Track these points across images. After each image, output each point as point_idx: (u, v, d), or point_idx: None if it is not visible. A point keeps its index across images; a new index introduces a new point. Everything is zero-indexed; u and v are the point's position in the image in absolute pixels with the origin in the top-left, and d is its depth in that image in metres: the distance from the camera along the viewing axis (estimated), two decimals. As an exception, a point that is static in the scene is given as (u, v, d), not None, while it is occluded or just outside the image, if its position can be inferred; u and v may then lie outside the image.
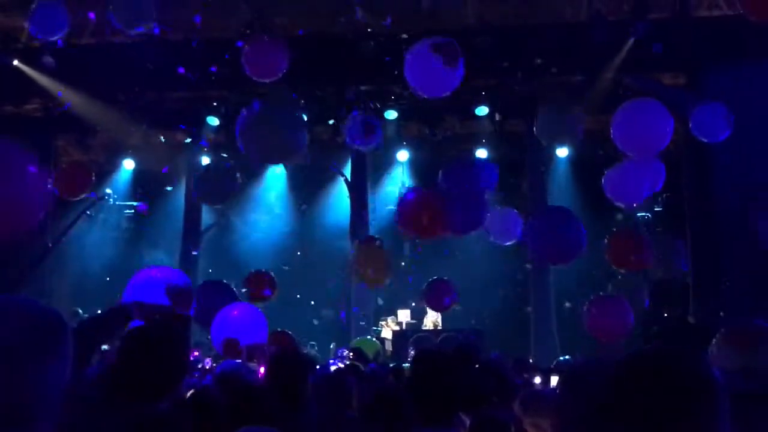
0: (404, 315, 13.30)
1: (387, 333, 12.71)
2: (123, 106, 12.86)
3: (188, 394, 3.08)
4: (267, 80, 9.65)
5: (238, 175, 11.24)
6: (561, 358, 9.58)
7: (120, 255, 14.80)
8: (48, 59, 11.93)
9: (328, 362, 9.26)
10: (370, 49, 11.56)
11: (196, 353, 9.69)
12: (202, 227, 15.36)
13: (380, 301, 14.38)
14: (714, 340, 2.70)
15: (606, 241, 9.85)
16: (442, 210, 9.06)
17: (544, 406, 3.23)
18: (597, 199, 10.64)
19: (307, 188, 16.06)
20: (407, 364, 8.15)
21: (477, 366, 4.62)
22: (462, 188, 9.50)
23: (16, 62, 12.27)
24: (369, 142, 10.94)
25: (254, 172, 15.87)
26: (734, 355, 2.58)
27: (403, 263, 13.50)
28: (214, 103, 13.10)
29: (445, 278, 10.85)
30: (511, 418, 3.39)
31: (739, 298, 10.78)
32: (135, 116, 13.16)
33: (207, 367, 7.03)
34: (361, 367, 6.49)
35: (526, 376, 6.65)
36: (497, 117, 13.22)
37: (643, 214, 14.04)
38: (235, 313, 7.12)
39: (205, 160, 15.00)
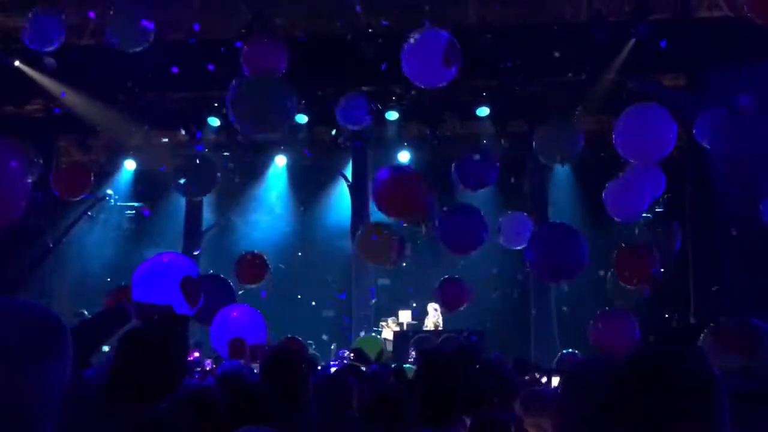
0: (405, 316, 13.30)
1: (388, 334, 12.71)
2: (123, 106, 12.87)
3: (188, 395, 3.08)
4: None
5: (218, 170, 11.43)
6: (564, 351, 9.56)
7: (121, 255, 14.79)
8: (49, 60, 11.93)
9: (329, 363, 9.26)
10: (370, 49, 11.57)
11: (196, 354, 9.70)
12: (203, 227, 15.37)
13: (372, 302, 14.36)
14: (702, 336, 2.72)
15: (615, 257, 9.82)
16: (416, 187, 9.14)
17: (545, 406, 3.23)
18: (597, 199, 10.65)
19: (307, 188, 16.06)
20: (408, 365, 8.15)
21: (477, 366, 4.62)
22: (459, 207, 9.75)
23: (17, 63, 12.29)
24: (360, 120, 10.94)
25: (255, 173, 15.89)
26: (721, 353, 2.59)
27: (404, 263, 13.47)
28: (215, 104, 13.11)
29: (458, 277, 10.92)
30: (511, 418, 3.39)
31: (739, 298, 10.77)
32: (135, 117, 13.17)
33: (207, 369, 7.03)
34: (362, 367, 6.49)
35: (529, 377, 6.65)
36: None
37: (645, 215, 14.04)
38: (235, 314, 7.12)
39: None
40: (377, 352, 10.38)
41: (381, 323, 13.20)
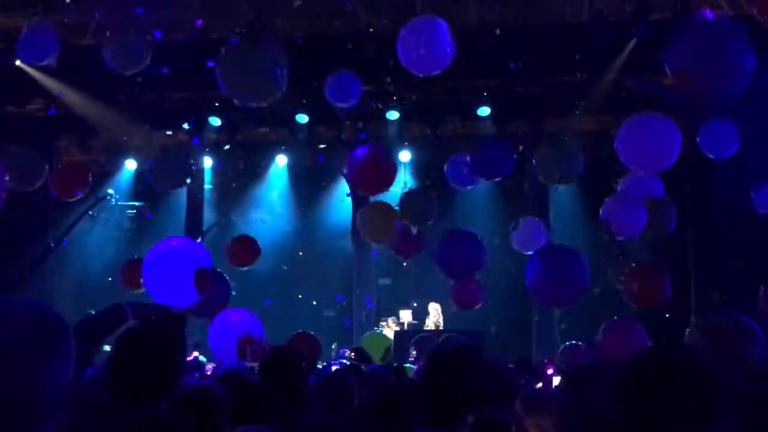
0: (406, 315, 13.29)
1: (388, 333, 12.71)
2: (123, 106, 12.87)
3: (188, 394, 3.08)
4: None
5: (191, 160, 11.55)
6: (567, 343, 9.51)
7: (121, 255, 14.77)
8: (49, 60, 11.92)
9: (331, 363, 9.26)
10: (370, 49, 11.55)
11: (196, 354, 9.69)
12: (204, 227, 15.36)
13: (369, 304, 14.36)
14: (687, 330, 2.73)
15: (624, 280, 9.77)
16: (388, 165, 9.21)
17: (546, 406, 3.23)
18: (598, 199, 10.65)
19: (308, 188, 16.05)
20: (408, 365, 8.15)
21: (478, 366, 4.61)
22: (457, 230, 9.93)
23: (17, 62, 12.27)
24: (349, 98, 10.91)
25: (255, 173, 15.89)
26: (706, 348, 2.60)
27: (404, 263, 13.47)
28: (215, 104, 13.10)
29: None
30: (512, 418, 3.39)
31: (739, 298, 10.76)
32: (135, 117, 13.17)
33: (208, 373, 7.01)
34: (363, 367, 6.49)
35: (529, 377, 6.64)
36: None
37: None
38: (233, 318, 7.11)
39: (207, 161, 15.03)
40: (384, 349, 10.37)
41: (381, 323, 13.19)
